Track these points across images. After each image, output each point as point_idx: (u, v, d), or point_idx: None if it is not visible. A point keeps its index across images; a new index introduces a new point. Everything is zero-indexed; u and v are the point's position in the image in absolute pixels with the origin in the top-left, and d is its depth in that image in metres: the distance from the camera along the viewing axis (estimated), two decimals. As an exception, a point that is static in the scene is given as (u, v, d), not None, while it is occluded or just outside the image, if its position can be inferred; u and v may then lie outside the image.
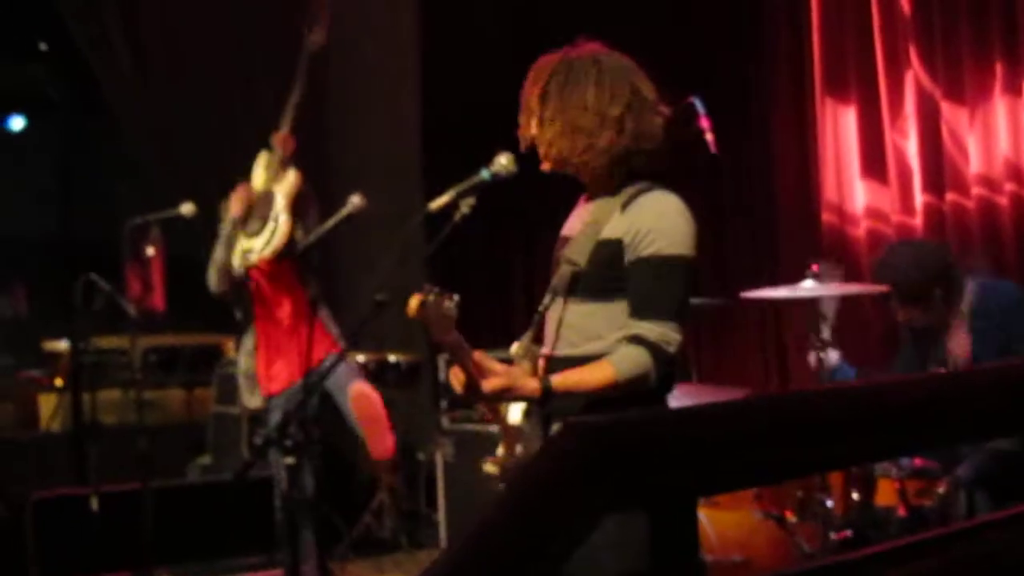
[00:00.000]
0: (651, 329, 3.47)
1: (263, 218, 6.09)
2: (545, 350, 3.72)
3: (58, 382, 10.63)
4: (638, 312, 3.51)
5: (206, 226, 6.51)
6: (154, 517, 6.21)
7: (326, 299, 6.23)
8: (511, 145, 3.81)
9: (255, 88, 9.37)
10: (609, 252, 3.56)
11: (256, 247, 6.09)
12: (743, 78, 7.86)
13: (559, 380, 3.52)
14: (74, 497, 6.78)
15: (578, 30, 3.82)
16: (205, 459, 8.83)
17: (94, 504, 6.34)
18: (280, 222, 5.98)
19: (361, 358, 7.94)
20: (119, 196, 11.57)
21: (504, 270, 9.50)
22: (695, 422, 1.87)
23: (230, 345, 9.29)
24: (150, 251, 6.23)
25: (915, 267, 5.43)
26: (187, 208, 6.28)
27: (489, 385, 3.51)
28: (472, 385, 3.52)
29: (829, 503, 5.27)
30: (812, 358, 5.55)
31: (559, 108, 3.63)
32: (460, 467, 7.37)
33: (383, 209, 6.32)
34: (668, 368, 3.53)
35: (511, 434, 3.77)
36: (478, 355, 3.58)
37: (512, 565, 1.72)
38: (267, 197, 6.13)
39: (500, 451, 3.77)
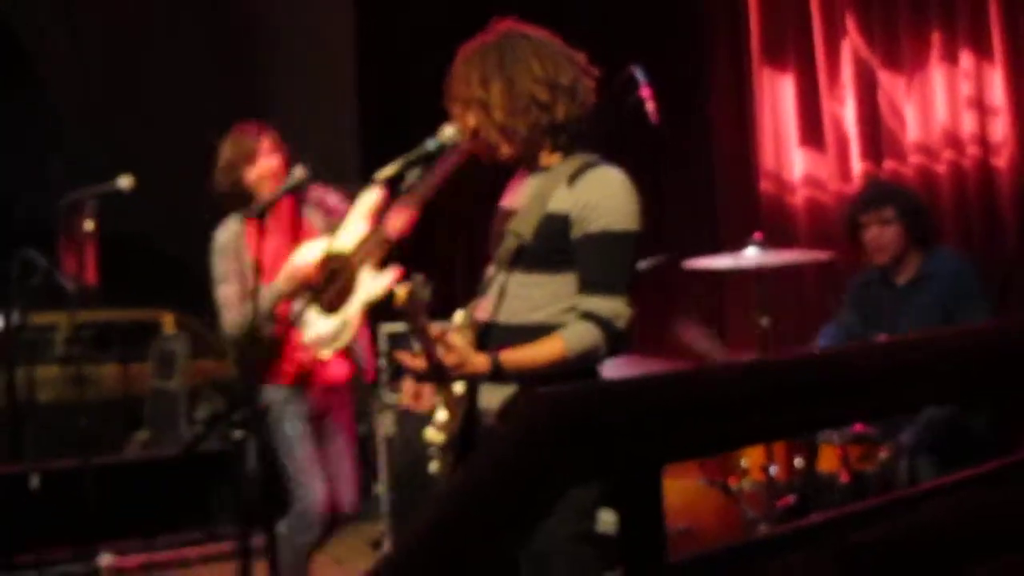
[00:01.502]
0: (601, 304, 3.49)
1: (338, 298, 4.96)
2: (482, 316, 3.72)
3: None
4: (588, 287, 3.52)
5: (142, 200, 6.41)
6: (95, 494, 6.15)
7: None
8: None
9: (190, 61, 9.30)
10: (555, 226, 3.55)
11: (324, 341, 5.11)
12: (680, 46, 7.87)
13: (509, 356, 3.52)
14: (12, 475, 6.70)
15: (509, 8, 3.80)
16: (143, 435, 8.77)
17: (34, 482, 6.27)
18: (350, 323, 4.98)
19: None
20: (51, 170, 11.44)
21: (444, 242, 9.46)
22: (659, 389, 1.86)
23: (168, 320, 9.22)
24: (88, 226, 6.13)
25: (915, 194, 5.55)
26: (125, 182, 6.17)
27: (448, 359, 3.52)
28: (435, 365, 3.55)
29: (773, 469, 5.30)
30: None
31: (506, 87, 3.61)
32: (400, 440, 7.35)
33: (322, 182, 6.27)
34: (618, 342, 3.55)
35: (454, 401, 3.76)
36: (437, 330, 3.58)
37: (477, 538, 1.71)
38: (347, 269, 4.90)
39: (442, 416, 3.75)
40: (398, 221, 4.55)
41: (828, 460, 5.41)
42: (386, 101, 9.54)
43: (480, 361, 3.52)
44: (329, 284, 5.00)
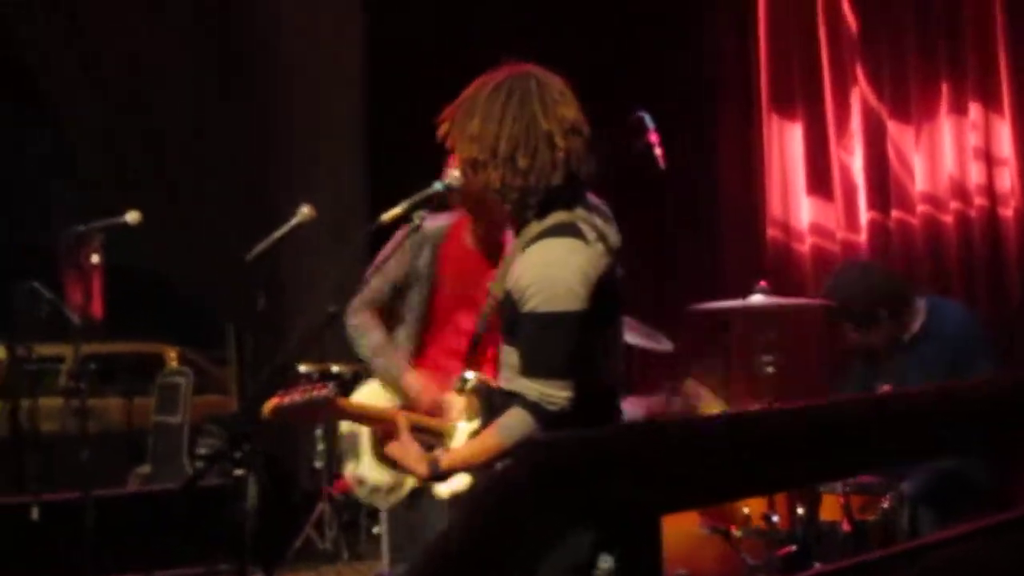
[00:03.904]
0: (531, 388, 3.41)
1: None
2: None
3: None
4: (521, 369, 3.46)
5: (148, 233, 6.42)
6: (95, 527, 6.13)
7: (275, 311, 5.85)
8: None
9: (199, 91, 9.31)
10: (509, 301, 3.49)
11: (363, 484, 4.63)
12: (690, 93, 7.88)
13: (448, 460, 3.52)
14: (12, 506, 6.69)
15: (523, 47, 3.74)
16: (145, 468, 8.75)
17: (34, 513, 6.26)
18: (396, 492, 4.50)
19: (304, 368, 7.89)
20: (57, 201, 11.46)
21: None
22: (657, 438, 1.86)
23: (171, 354, 9.22)
24: (94, 259, 6.15)
25: (862, 290, 5.48)
26: (132, 216, 6.20)
27: (388, 449, 3.60)
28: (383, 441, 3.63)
29: (775, 518, 5.28)
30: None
31: (456, 137, 3.55)
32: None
33: (329, 221, 6.28)
34: (556, 424, 3.41)
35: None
36: (397, 416, 3.59)
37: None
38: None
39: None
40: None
41: (830, 509, 5.40)
42: (395, 133, 9.55)
43: (420, 466, 3.54)
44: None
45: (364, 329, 4.72)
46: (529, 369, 3.43)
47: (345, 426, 4.64)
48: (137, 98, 9.22)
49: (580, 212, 3.50)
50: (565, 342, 3.41)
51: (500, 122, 3.46)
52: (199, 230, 8.94)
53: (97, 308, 7.32)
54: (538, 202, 3.48)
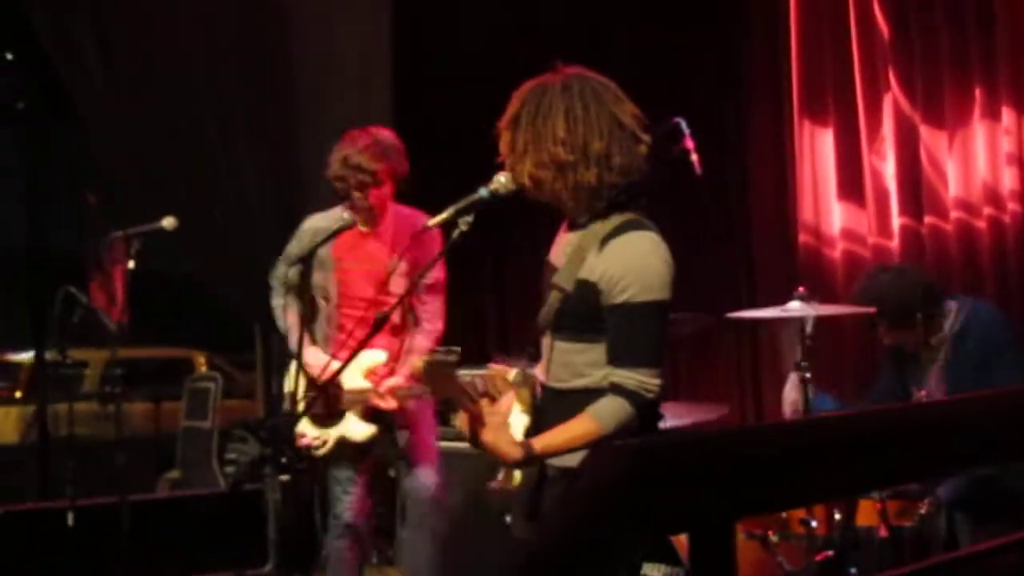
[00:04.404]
0: (629, 377, 3.48)
1: (324, 417, 5.87)
2: (541, 377, 3.74)
3: (17, 394, 10.54)
4: (616, 360, 3.52)
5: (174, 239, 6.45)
6: (130, 532, 6.15)
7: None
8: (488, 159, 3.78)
9: (227, 101, 9.32)
10: (588, 293, 3.55)
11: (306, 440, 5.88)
12: (721, 99, 7.88)
13: (543, 443, 3.54)
14: (47, 511, 6.71)
15: (555, 55, 3.77)
16: (174, 473, 8.78)
17: (70, 519, 6.27)
18: (329, 444, 5.87)
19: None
20: (86, 207, 11.49)
21: (478, 290, 9.45)
22: (735, 444, 1.87)
23: (200, 359, 9.25)
24: (130, 264, 6.16)
25: (896, 293, 5.49)
26: (168, 222, 6.21)
27: (482, 437, 3.57)
28: (473, 433, 3.61)
29: (813, 523, 5.28)
30: (792, 382, 5.57)
31: (531, 140, 3.58)
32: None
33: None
34: (649, 413, 3.55)
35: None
36: (481, 406, 3.60)
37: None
38: (338, 401, 5.83)
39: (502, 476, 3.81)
40: (390, 400, 5.62)
41: (867, 515, 5.40)
42: (424, 138, 9.56)
43: (513, 450, 3.54)
44: (318, 401, 5.66)
45: (284, 310, 5.91)
46: (625, 358, 3.50)
47: (289, 387, 5.66)
48: (164, 106, 9.24)
49: (644, 207, 3.60)
50: (659, 331, 3.53)
51: (585, 121, 3.52)
52: (227, 235, 8.94)
53: (118, 313, 7.35)
54: (626, 198, 3.57)
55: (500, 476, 3.79)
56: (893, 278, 5.63)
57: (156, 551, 6.83)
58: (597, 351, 3.57)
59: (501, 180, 3.75)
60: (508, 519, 3.93)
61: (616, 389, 3.49)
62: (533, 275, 3.95)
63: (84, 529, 6.42)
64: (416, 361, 3.54)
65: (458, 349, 3.54)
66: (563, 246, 3.73)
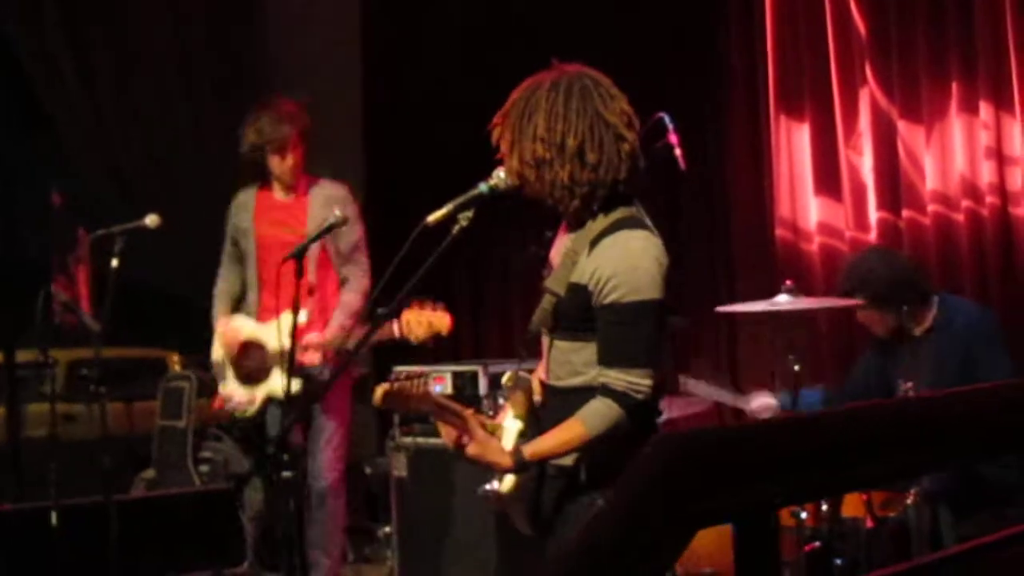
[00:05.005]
0: (618, 379, 3.48)
1: (251, 376, 6.36)
2: (541, 375, 3.75)
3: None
4: (605, 361, 3.52)
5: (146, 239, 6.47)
6: (113, 532, 6.12)
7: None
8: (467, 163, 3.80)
9: (200, 103, 9.30)
10: (580, 294, 3.55)
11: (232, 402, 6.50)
12: (697, 93, 7.89)
13: (533, 449, 3.55)
14: (31, 511, 6.66)
15: (532, 51, 3.78)
16: (149, 473, 8.73)
17: (53, 519, 6.23)
18: (255, 403, 6.40)
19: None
20: (60, 210, 11.39)
21: (480, 288, 9.41)
22: (780, 434, 1.88)
23: (174, 359, 9.20)
24: (113, 262, 6.12)
25: (886, 271, 5.51)
26: (152, 220, 6.19)
27: (468, 451, 3.57)
28: (458, 444, 3.60)
29: (803, 515, 5.30)
30: (759, 400, 5.64)
31: (516, 138, 3.60)
32: (412, 482, 7.33)
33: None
34: (640, 413, 3.53)
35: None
36: (467, 416, 3.60)
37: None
38: (265, 360, 6.33)
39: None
40: (313, 353, 6.06)
41: (852, 506, 5.43)
42: (393, 139, 9.56)
43: (503, 458, 3.56)
44: (245, 362, 6.29)
45: (219, 280, 6.53)
46: (614, 359, 3.49)
47: (216, 355, 6.44)
48: (137, 107, 9.20)
49: (638, 205, 3.59)
50: (648, 331, 3.51)
51: (565, 119, 3.52)
52: (199, 235, 8.91)
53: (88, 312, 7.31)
54: (604, 196, 3.54)
55: (494, 482, 3.79)
56: (884, 256, 5.68)
57: (134, 550, 6.80)
58: (590, 349, 3.58)
59: (500, 176, 3.76)
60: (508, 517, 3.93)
61: (605, 391, 3.50)
62: (509, 276, 3.96)
63: (68, 530, 6.38)
64: (377, 392, 3.56)
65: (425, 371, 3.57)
66: (560, 246, 3.74)
